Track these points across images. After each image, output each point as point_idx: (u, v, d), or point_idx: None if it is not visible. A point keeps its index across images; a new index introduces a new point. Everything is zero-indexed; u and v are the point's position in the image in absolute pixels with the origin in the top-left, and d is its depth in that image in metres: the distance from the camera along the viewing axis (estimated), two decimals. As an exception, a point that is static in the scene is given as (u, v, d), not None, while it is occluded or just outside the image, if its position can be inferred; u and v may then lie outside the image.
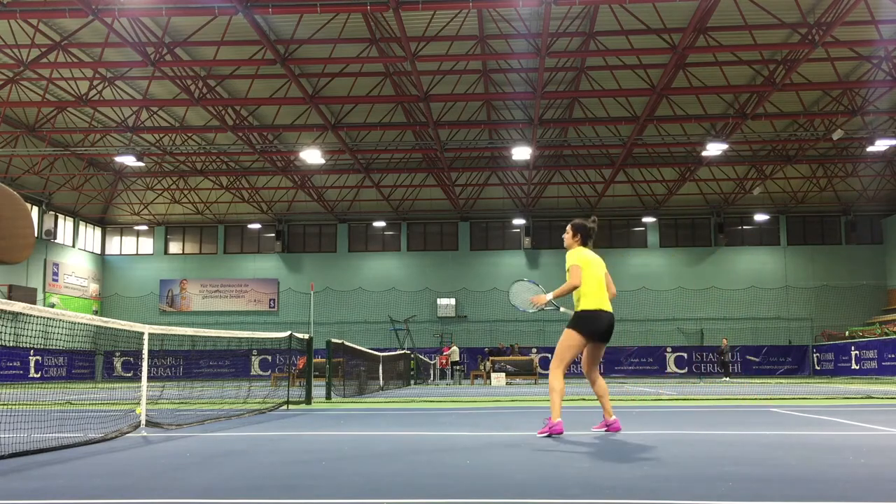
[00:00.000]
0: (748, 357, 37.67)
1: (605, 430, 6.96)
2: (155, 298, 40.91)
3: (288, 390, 12.46)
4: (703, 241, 39.39)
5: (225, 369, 34.59)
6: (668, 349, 37.39)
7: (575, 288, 6.83)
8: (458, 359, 33.05)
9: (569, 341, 6.82)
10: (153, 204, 40.34)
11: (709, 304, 38.11)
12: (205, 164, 33.98)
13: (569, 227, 7.19)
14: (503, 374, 25.92)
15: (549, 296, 7.06)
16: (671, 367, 37.33)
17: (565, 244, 7.22)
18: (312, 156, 28.43)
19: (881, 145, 28.52)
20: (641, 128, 27.69)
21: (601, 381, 7.04)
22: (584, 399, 14.11)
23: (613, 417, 7.00)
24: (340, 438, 6.97)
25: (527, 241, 39.89)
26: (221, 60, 23.58)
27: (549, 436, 6.59)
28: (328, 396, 14.71)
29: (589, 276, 6.87)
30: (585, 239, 7.10)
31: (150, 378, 8.41)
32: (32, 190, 33.94)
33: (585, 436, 7.00)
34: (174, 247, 42.16)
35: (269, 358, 36.44)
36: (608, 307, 6.89)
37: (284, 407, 11.88)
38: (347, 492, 4.08)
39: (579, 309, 6.88)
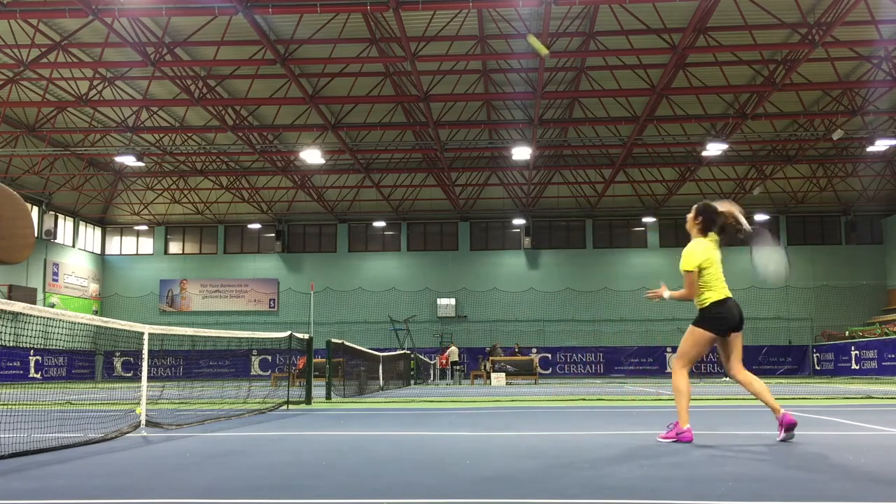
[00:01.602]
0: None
1: (784, 432, 6.12)
2: (155, 298, 40.90)
3: (288, 390, 12.45)
4: (703, 241, 39.38)
5: (225, 369, 34.57)
6: (669, 349, 37.37)
7: (689, 298, 6.28)
8: (457, 359, 33.05)
9: (697, 340, 6.25)
10: (153, 204, 40.34)
11: None
12: (205, 164, 33.98)
13: (693, 208, 6.48)
14: (503, 374, 25.92)
15: (667, 294, 6.45)
16: (671, 368, 37.35)
17: (687, 227, 6.53)
18: (312, 156, 28.43)
19: (881, 145, 28.52)
20: (641, 128, 27.68)
21: (750, 376, 6.31)
22: (584, 399, 14.11)
23: (782, 412, 6.18)
24: (340, 438, 6.97)
25: (527, 241, 39.88)
26: (221, 60, 23.57)
27: (674, 441, 6.14)
28: (328, 396, 14.71)
29: (713, 269, 6.28)
30: (708, 226, 6.39)
31: (150, 378, 8.42)
32: (32, 190, 33.94)
33: (586, 435, 7.00)
34: (174, 247, 42.16)
35: (269, 358, 36.44)
36: (730, 293, 6.33)
37: (284, 407, 11.88)
38: (347, 492, 4.08)
39: (706, 305, 6.23)
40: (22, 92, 26.15)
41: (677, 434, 6.18)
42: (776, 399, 6.30)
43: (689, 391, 6.29)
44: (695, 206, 6.56)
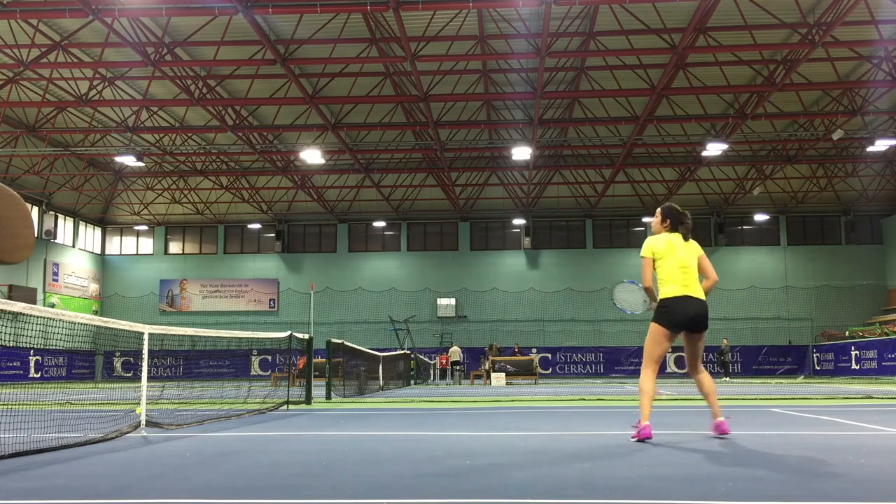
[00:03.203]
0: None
1: (714, 433, 6.41)
2: (155, 298, 40.90)
3: (288, 390, 12.45)
4: (704, 241, 38.92)
5: (225, 369, 34.60)
6: (669, 349, 37.36)
7: (647, 288, 6.48)
8: (458, 359, 33.00)
9: (653, 336, 6.38)
10: (153, 204, 40.34)
11: (709, 304, 37.92)
12: (205, 164, 33.98)
13: (658, 211, 6.63)
14: (503, 374, 25.92)
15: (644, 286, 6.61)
16: (671, 367, 37.29)
17: (653, 230, 6.70)
18: (312, 156, 28.44)
19: (881, 145, 28.51)
20: (641, 128, 27.68)
21: (704, 377, 6.50)
22: (584, 399, 14.11)
23: (721, 418, 6.40)
24: (340, 438, 6.97)
25: (527, 241, 39.88)
26: (221, 60, 23.58)
27: (638, 440, 6.21)
28: (328, 396, 14.71)
29: (668, 263, 6.37)
30: (676, 225, 6.51)
31: (150, 378, 8.41)
32: (32, 190, 33.94)
33: (586, 435, 7.00)
34: (174, 247, 42.15)
35: (269, 358, 36.45)
36: (694, 293, 6.35)
37: (284, 407, 11.88)
38: (347, 492, 4.08)
39: (661, 298, 6.37)
40: (22, 92, 26.15)
41: (638, 432, 6.25)
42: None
43: (653, 391, 6.36)
44: (659, 209, 6.68)
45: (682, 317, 6.33)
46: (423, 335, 38.00)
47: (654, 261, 6.45)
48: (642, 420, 6.27)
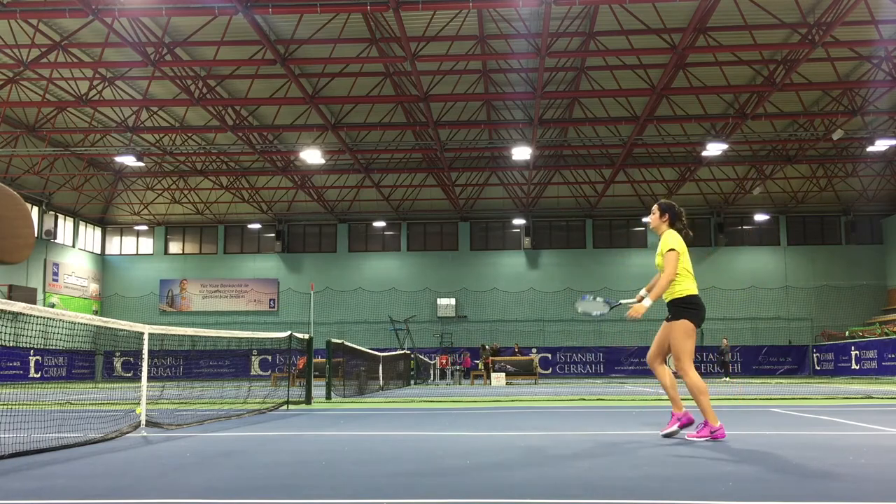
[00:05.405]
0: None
1: (678, 427, 6.46)
2: (155, 298, 40.90)
3: (288, 390, 12.45)
4: (703, 241, 39.34)
5: (225, 369, 34.60)
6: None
7: (671, 279, 6.34)
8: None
9: (688, 332, 6.38)
10: (153, 204, 40.33)
11: (709, 304, 36.86)
12: (205, 164, 33.98)
13: (654, 208, 6.69)
14: (503, 374, 25.93)
15: (648, 302, 6.62)
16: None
17: (652, 226, 6.73)
18: (312, 156, 28.44)
19: (881, 145, 28.51)
20: (641, 128, 27.68)
21: (669, 370, 6.56)
22: (584, 399, 14.12)
23: (684, 409, 6.48)
24: (340, 438, 6.97)
25: (527, 241, 39.88)
26: (221, 60, 23.57)
27: (708, 439, 6.19)
28: (328, 396, 14.71)
29: (686, 259, 6.47)
30: (674, 220, 6.60)
31: (150, 378, 8.41)
32: (32, 190, 33.93)
33: (586, 435, 7.00)
34: (174, 247, 42.15)
35: (269, 358, 36.45)
36: None
37: (284, 407, 11.88)
38: (347, 492, 4.08)
39: (686, 294, 6.41)
40: (22, 92, 26.15)
41: (711, 433, 6.25)
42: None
43: (706, 387, 6.40)
44: (656, 205, 6.76)
45: (704, 314, 6.53)
46: (423, 335, 38.00)
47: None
48: (711, 420, 6.25)
